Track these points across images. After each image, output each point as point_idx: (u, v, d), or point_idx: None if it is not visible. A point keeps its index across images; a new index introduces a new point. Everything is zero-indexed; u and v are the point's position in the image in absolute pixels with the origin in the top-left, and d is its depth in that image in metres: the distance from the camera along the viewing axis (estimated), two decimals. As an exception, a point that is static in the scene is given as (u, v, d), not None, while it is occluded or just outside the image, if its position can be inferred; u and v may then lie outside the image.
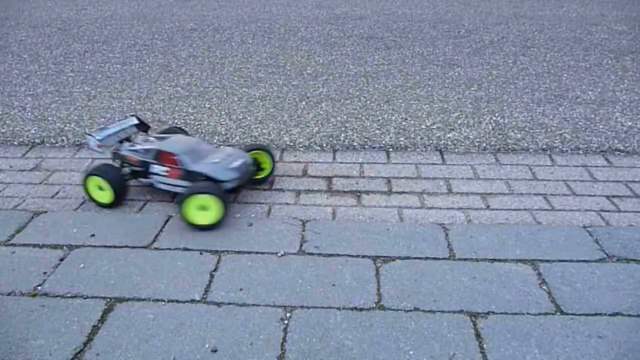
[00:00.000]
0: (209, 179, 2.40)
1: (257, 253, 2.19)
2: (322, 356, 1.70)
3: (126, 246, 2.24)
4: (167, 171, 2.47)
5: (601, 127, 3.38)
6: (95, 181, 2.46)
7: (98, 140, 2.52)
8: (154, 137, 2.64)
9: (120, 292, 1.98)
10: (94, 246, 2.24)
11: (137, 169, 2.54)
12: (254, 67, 4.59)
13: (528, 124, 3.41)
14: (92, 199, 2.52)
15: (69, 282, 2.03)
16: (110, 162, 2.60)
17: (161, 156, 2.48)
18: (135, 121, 2.74)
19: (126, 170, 2.57)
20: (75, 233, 2.32)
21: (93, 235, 2.30)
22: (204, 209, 2.28)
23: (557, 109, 3.66)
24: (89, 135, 2.53)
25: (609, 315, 1.86)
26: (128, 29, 5.91)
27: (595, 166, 2.92)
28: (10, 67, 4.67)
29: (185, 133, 2.90)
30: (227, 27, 5.97)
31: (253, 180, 2.66)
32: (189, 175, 2.43)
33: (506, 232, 2.32)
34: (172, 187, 2.51)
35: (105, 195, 2.47)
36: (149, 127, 2.80)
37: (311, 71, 4.49)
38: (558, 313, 1.87)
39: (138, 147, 2.54)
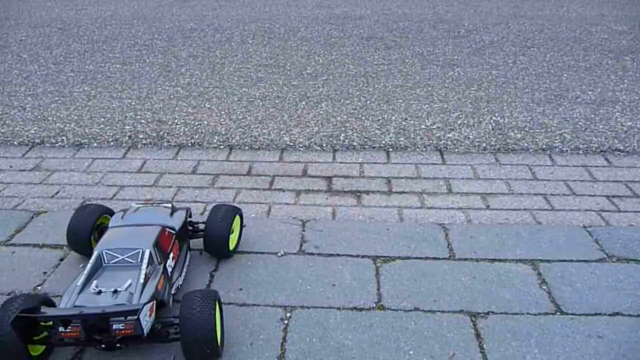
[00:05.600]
0: (191, 223, 2.10)
1: (257, 253, 2.18)
2: (322, 356, 1.70)
3: (126, 246, 2.23)
4: (172, 256, 1.88)
5: (601, 127, 3.38)
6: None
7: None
8: (99, 253, 1.76)
9: (120, 292, 1.97)
10: (94, 246, 2.23)
11: (165, 291, 1.77)
12: (254, 67, 4.59)
13: (528, 124, 3.41)
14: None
15: (69, 282, 2.02)
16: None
17: (161, 246, 1.82)
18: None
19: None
20: (75, 233, 2.32)
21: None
22: (232, 232, 2.12)
23: (557, 109, 3.66)
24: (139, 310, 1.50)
25: (609, 315, 1.85)
26: (128, 29, 5.90)
27: (595, 166, 2.92)
28: (10, 67, 4.67)
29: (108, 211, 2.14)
30: (227, 27, 5.97)
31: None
32: (182, 235, 2.01)
33: (506, 232, 2.32)
34: (185, 269, 1.99)
35: None
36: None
37: (311, 71, 4.48)
38: (558, 313, 1.86)
39: (143, 267, 1.70)
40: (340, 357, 1.69)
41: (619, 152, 3.06)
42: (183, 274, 1.94)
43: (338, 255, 2.17)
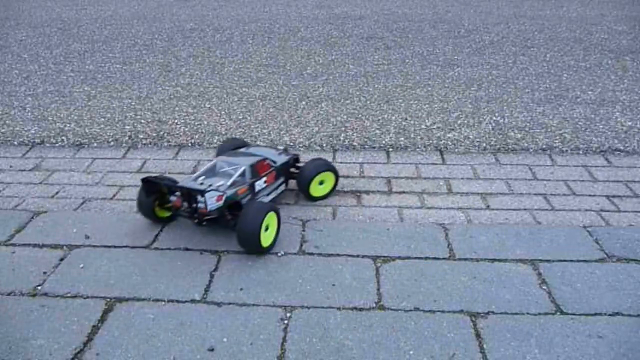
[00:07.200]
0: (293, 165, 2.59)
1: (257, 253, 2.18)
2: (322, 356, 1.70)
3: (126, 246, 2.23)
4: (265, 180, 2.38)
5: (601, 127, 3.38)
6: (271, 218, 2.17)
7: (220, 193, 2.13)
8: (216, 163, 2.37)
9: (120, 292, 1.97)
10: (94, 246, 2.24)
11: (246, 197, 2.28)
12: (254, 67, 4.59)
13: (528, 124, 3.41)
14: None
15: (69, 282, 2.03)
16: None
17: (256, 169, 2.35)
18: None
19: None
20: (75, 233, 2.32)
21: (88, 237, 2.28)
22: (322, 183, 2.55)
23: (557, 109, 3.66)
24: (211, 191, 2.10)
25: (609, 315, 1.85)
26: (128, 29, 5.91)
27: (595, 166, 2.92)
28: (10, 67, 4.67)
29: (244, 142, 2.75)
30: (227, 27, 5.97)
31: None
32: (281, 170, 2.50)
33: (506, 232, 2.32)
34: (275, 193, 2.48)
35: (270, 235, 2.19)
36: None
37: (311, 71, 4.48)
38: (558, 313, 1.86)
39: (234, 176, 2.26)
40: (340, 357, 1.69)
41: (619, 152, 3.06)
42: (270, 196, 2.44)
43: (338, 255, 2.17)
